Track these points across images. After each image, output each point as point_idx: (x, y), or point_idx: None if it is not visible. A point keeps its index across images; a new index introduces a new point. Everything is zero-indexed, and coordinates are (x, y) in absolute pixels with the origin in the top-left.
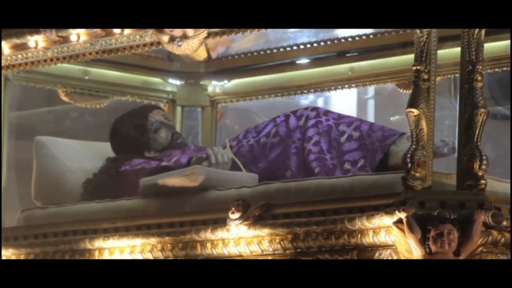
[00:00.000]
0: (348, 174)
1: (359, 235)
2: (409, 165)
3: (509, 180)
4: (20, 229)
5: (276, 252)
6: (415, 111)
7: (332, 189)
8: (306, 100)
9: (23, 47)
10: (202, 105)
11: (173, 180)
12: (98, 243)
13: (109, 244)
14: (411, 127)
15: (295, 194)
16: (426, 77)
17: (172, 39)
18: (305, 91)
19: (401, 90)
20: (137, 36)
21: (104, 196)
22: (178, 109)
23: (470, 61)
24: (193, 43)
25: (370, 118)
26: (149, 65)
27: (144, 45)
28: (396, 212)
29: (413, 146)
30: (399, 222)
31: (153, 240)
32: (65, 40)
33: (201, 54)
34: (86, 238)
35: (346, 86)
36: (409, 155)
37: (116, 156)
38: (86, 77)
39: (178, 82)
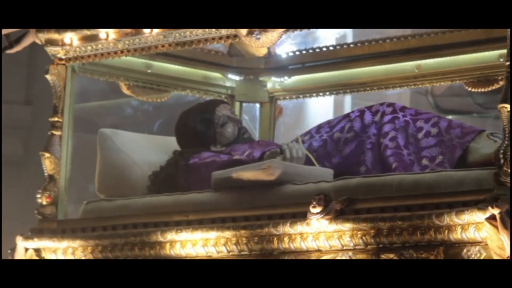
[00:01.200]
0: (426, 170)
1: (446, 231)
2: (502, 161)
3: None
4: (88, 220)
5: (357, 247)
6: (508, 107)
7: (417, 184)
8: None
9: (93, 38)
10: (261, 101)
11: (248, 174)
12: (171, 235)
13: (182, 237)
14: (503, 123)
15: (377, 189)
16: None
17: (250, 32)
18: (368, 88)
19: (470, 89)
20: (213, 29)
21: (172, 189)
22: (237, 104)
23: None
24: (272, 36)
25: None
26: (209, 60)
27: (220, 38)
28: (489, 208)
29: (506, 142)
30: (491, 218)
31: (228, 234)
32: (137, 32)
33: (261, 50)
34: (157, 230)
35: (412, 84)
36: (501, 151)
37: (184, 149)
38: (149, 71)
39: (237, 78)
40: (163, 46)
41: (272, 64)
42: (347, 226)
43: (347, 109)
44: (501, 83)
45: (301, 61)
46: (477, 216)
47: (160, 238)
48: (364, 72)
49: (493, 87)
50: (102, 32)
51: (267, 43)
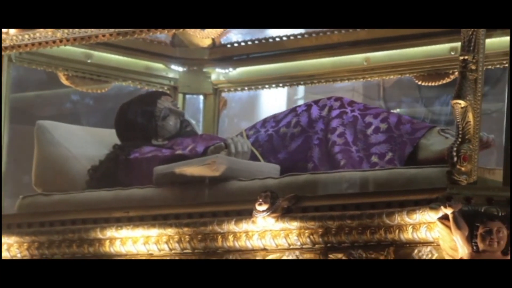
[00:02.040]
0: (376, 167)
1: (397, 231)
2: (455, 159)
3: None
4: (24, 216)
5: (304, 246)
6: (462, 103)
7: (367, 182)
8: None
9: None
10: (205, 93)
11: (191, 169)
12: (110, 232)
13: (122, 234)
14: (457, 120)
15: (325, 186)
16: (473, 67)
17: None
18: (315, 81)
19: (420, 83)
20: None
21: (111, 184)
22: (180, 96)
23: None
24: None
25: None
26: (151, 50)
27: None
28: (442, 207)
29: (459, 139)
30: (444, 218)
31: (170, 231)
32: None
33: (205, 40)
34: (97, 227)
35: (361, 77)
36: (455, 149)
37: (124, 143)
38: (89, 61)
39: (180, 69)
40: (104, 35)
41: (217, 55)
42: (294, 224)
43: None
44: (452, 77)
45: (246, 52)
46: (429, 216)
47: (100, 235)
48: (311, 64)
49: (444, 81)
50: None
51: (213, 33)
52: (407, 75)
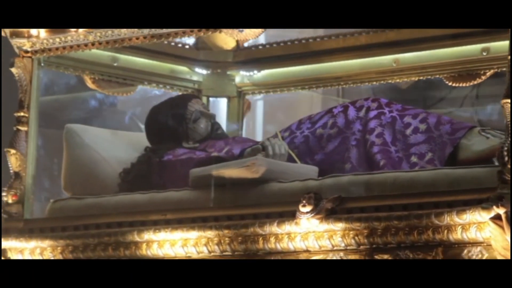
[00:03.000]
0: (416, 168)
1: (445, 231)
2: (506, 158)
3: None
4: (57, 220)
5: (348, 247)
6: None
7: (413, 183)
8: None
9: (62, 30)
10: (229, 96)
11: (230, 171)
12: (148, 235)
13: (160, 237)
14: (506, 119)
15: (370, 187)
16: None
17: None
18: (342, 83)
19: (450, 83)
20: None
21: (144, 187)
22: (204, 99)
23: None
24: (256, 29)
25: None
26: (176, 53)
27: (199, 30)
28: (494, 207)
29: (510, 139)
30: (496, 218)
31: (209, 233)
32: None
33: (229, 43)
34: (133, 230)
35: (389, 78)
36: (505, 148)
37: (155, 145)
38: (115, 64)
39: (204, 72)
40: (137, 38)
41: (241, 58)
42: (339, 225)
43: None
44: (484, 77)
45: (271, 55)
46: (479, 216)
47: (137, 238)
48: (339, 66)
49: (475, 82)
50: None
51: (250, 35)
52: (437, 76)
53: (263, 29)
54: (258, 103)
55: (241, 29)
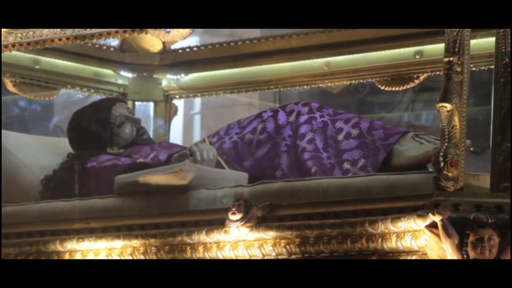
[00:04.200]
0: (348, 174)
1: (379, 240)
2: (442, 164)
3: None
4: None
5: (279, 256)
6: (448, 106)
7: (346, 189)
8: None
9: None
10: (155, 100)
11: (157, 178)
12: (71, 244)
13: (83, 246)
14: (443, 124)
15: (301, 194)
16: (459, 69)
17: None
18: (273, 87)
19: (383, 87)
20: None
21: (67, 194)
22: (130, 103)
23: (506, 53)
24: (183, 30)
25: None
26: (100, 56)
27: (124, 31)
28: (430, 214)
29: (445, 144)
30: (432, 226)
31: (135, 242)
32: None
33: (156, 45)
34: (56, 239)
35: (321, 82)
36: (441, 154)
37: (78, 151)
38: (37, 66)
39: (130, 75)
40: (60, 39)
41: (168, 61)
42: (270, 234)
43: None
44: (417, 81)
45: (199, 57)
46: (415, 224)
47: (59, 248)
48: (269, 69)
49: (408, 86)
50: None
51: (178, 37)
52: (370, 79)
53: (191, 30)
54: (195, 117)
55: (168, 30)
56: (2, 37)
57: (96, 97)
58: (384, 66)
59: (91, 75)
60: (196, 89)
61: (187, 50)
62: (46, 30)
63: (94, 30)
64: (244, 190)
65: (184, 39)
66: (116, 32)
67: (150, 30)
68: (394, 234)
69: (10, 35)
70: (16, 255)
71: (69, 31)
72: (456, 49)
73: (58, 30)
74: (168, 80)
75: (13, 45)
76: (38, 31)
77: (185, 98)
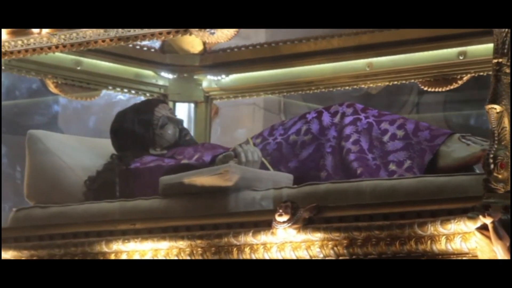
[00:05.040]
0: (394, 176)
1: (428, 242)
2: (492, 166)
3: None
4: (21, 229)
5: (327, 258)
6: (498, 108)
7: (394, 191)
8: None
9: (24, 32)
10: (196, 101)
11: (202, 179)
12: (116, 245)
13: (129, 247)
14: (492, 125)
15: (348, 196)
16: (508, 70)
17: None
18: (314, 88)
19: (425, 88)
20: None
21: (110, 195)
22: (170, 104)
23: None
24: (228, 31)
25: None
26: (141, 57)
27: (168, 33)
28: (480, 217)
29: (495, 146)
30: (482, 228)
31: (181, 243)
32: None
33: (196, 46)
34: (101, 240)
35: (362, 83)
36: (491, 156)
37: (121, 153)
38: (78, 68)
39: (170, 76)
40: (103, 41)
41: (208, 62)
42: (317, 235)
43: None
44: (460, 82)
45: (240, 58)
46: (465, 226)
47: (105, 249)
48: (310, 70)
49: (451, 87)
50: None
51: (223, 38)
52: (412, 80)
53: (235, 32)
54: None
55: (212, 32)
56: (46, 39)
57: (137, 98)
58: (427, 67)
59: (132, 76)
60: (237, 90)
61: (228, 51)
62: (90, 31)
63: (138, 31)
64: (290, 191)
65: (228, 40)
66: (160, 34)
67: (194, 31)
68: (444, 236)
69: (54, 37)
70: (62, 256)
71: (112, 33)
72: (505, 50)
73: (102, 31)
74: (208, 81)
75: (57, 47)
76: (81, 33)
77: (226, 99)
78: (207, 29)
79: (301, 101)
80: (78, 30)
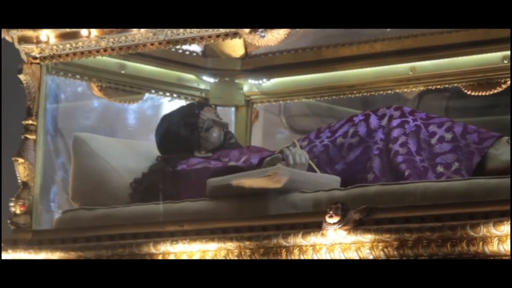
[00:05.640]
0: (442, 178)
1: (480, 243)
2: None
3: None
4: (68, 231)
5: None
6: None
7: (445, 193)
8: None
9: (72, 35)
10: (237, 105)
11: (251, 181)
12: (164, 247)
13: (177, 249)
14: None
15: (398, 198)
16: None
17: (254, 29)
18: (356, 92)
19: (469, 92)
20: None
21: (156, 197)
22: (214, 109)
23: None
24: (278, 34)
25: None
26: (183, 61)
27: (218, 36)
28: None
29: None
30: None
31: (230, 245)
32: (122, 28)
33: (238, 50)
34: (149, 241)
35: (405, 87)
36: None
37: (166, 155)
38: (122, 71)
39: (212, 80)
40: (152, 44)
41: (250, 66)
42: (368, 237)
43: None
44: (504, 86)
45: (281, 62)
46: None
47: (153, 250)
48: (353, 74)
49: (495, 91)
50: (83, 29)
51: (273, 41)
52: (456, 84)
53: (286, 34)
54: None
55: (262, 35)
56: (94, 42)
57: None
58: (470, 71)
59: (174, 80)
60: (278, 94)
61: (269, 55)
62: (138, 34)
63: (186, 35)
64: (339, 193)
65: (279, 43)
66: (209, 37)
67: (244, 34)
68: (496, 238)
69: (102, 40)
70: (109, 257)
71: (161, 36)
72: None
73: (151, 34)
74: (249, 85)
75: (105, 50)
76: (130, 36)
77: (267, 103)
78: (258, 32)
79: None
80: (127, 34)
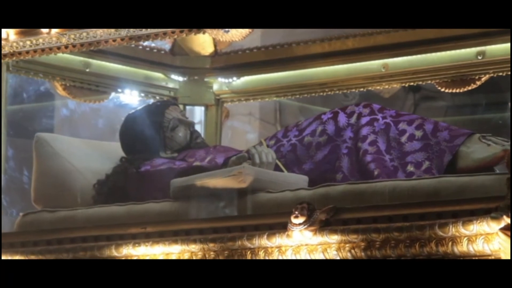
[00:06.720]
0: (413, 177)
1: (450, 243)
2: None
3: None
4: (29, 234)
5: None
6: None
7: (413, 192)
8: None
9: (33, 32)
10: (206, 104)
11: (215, 181)
12: (127, 250)
13: (140, 252)
14: None
15: (366, 197)
16: None
17: None
18: (327, 90)
19: (443, 89)
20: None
21: (120, 199)
22: (180, 107)
23: None
24: (243, 30)
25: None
26: (151, 59)
27: (181, 31)
28: (504, 217)
29: None
30: (506, 228)
31: (193, 247)
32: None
33: (207, 48)
34: (111, 244)
35: (377, 84)
36: None
37: (131, 155)
38: (87, 70)
39: (181, 78)
40: (114, 41)
41: (219, 64)
42: (334, 238)
43: None
44: (479, 83)
45: (251, 60)
46: (488, 227)
47: (115, 253)
48: (324, 71)
49: (469, 88)
50: None
51: (237, 37)
52: (429, 81)
53: (250, 30)
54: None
55: (226, 30)
56: (55, 39)
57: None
58: (444, 68)
59: (141, 78)
60: (248, 92)
61: (239, 52)
62: (100, 31)
63: (149, 31)
64: (305, 193)
65: (243, 39)
66: (173, 32)
67: (208, 30)
68: (466, 238)
69: (63, 36)
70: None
71: (123, 32)
72: None
73: (113, 31)
74: (219, 83)
75: (66, 47)
76: (91, 32)
77: (237, 101)
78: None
79: (297, 110)
80: (88, 30)
